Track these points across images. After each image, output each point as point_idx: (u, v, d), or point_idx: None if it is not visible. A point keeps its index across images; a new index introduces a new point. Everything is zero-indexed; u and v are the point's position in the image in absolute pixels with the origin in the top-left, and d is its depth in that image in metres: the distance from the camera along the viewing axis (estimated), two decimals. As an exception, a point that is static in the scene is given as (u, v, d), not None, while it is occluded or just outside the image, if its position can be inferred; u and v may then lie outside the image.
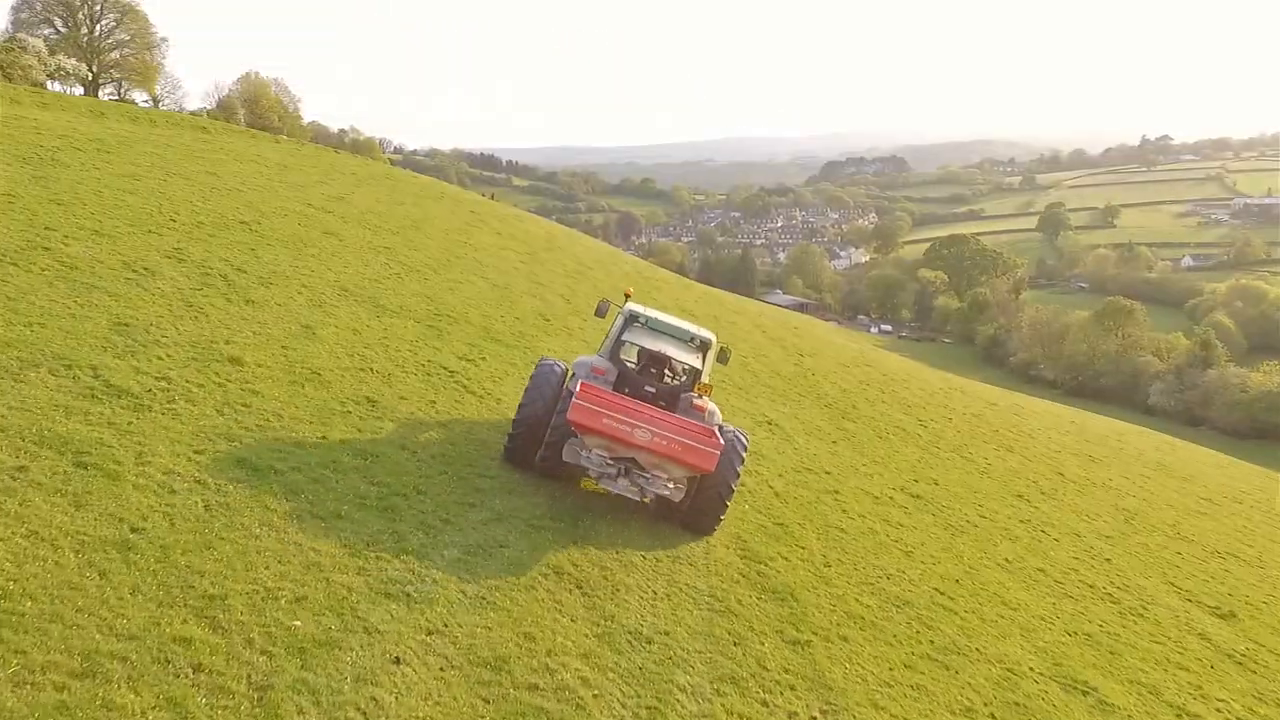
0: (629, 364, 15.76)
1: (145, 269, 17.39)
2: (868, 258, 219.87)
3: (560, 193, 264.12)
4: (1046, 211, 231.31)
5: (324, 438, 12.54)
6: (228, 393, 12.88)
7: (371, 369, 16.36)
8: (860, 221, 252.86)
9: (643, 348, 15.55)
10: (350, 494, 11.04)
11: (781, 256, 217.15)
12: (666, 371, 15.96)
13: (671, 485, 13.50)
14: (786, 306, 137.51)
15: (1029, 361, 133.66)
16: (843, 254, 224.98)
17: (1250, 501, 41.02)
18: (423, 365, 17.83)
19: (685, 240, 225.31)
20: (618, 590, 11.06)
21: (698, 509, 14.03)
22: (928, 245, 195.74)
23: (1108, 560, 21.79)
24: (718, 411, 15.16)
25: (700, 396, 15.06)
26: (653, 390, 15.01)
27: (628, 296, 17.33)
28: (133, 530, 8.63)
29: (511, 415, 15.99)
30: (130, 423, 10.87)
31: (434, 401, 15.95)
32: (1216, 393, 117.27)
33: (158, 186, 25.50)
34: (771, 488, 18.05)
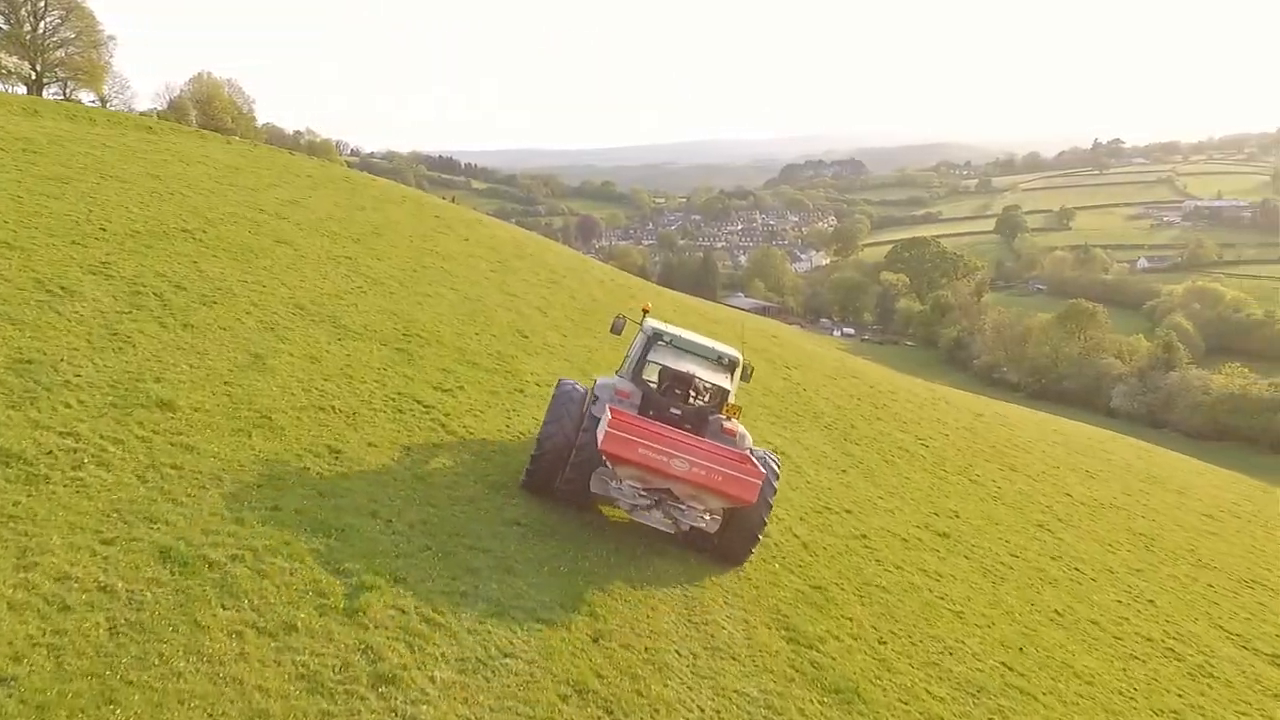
0: (650, 385, 14.83)
1: (62, 288, 14.68)
2: (828, 260, 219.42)
3: (520, 195, 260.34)
4: (1003, 214, 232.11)
5: (275, 508, 9.99)
6: (153, 451, 10.27)
7: (333, 407, 13.79)
8: (820, 224, 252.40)
9: (667, 368, 14.69)
10: (308, 591, 8.52)
11: (743, 259, 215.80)
12: (690, 392, 14.94)
13: (708, 516, 12.60)
14: (749, 310, 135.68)
15: (992, 364, 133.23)
16: (803, 256, 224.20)
17: (1246, 516, 39.78)
18: (393, 399, 15.28)
19: (646, 243, 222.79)
20: (656, 711, 8.64)
21: (730, 539, 13.23)
22: (888, 248, 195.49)
23: (1151, 602, 19.87)
24: (748, 435, 14.08)
25: (729, 419, 14.19)
26: (678, 412, 14.19)
27: (645, 312, 16.59)
28: None
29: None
30: (17, 503, 8.29)
31: (408, 448, 13.42)
32: (1179, 395, 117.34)
33: (89, 191, 22.63)
34: (797, 536, 15.74)
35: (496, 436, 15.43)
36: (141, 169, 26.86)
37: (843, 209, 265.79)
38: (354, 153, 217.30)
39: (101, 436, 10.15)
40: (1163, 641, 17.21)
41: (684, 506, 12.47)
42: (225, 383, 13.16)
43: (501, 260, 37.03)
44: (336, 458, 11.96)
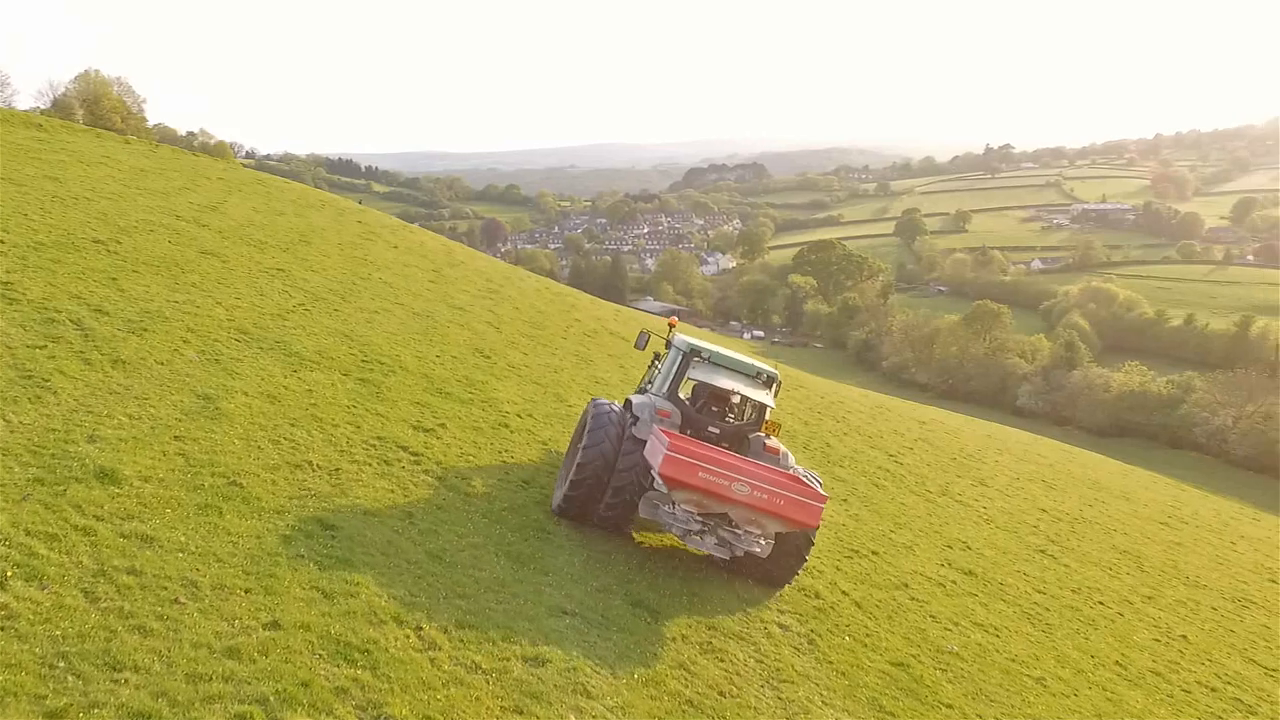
0: (684, 403, 14.14)
1: (-48, 317, 11.69)
2: (735, 263, 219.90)
3: (423, 199, 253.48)
4: (903, 217, 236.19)
5: (275, 624, 7.43)
6: (100, 549, 7.62)
7: (310, 463, 11.17)
8: (725, 227, 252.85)
9: (705, 385, 14.11)
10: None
11: (650, 263, 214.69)
12: (727, 409, 14.44)
13: (763, 541, 12.03)
14: (658, 314, 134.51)
15: (901, 365, 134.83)
16: (710, 260, 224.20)
17: (1193, 521, 39.80)
18: (373, 446, 12.69)
19: (552, 246, 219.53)
20: None
21: (777, 562, 12.80)
22: (793, 250, 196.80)
23: (1184, 638, 18.61)
24: (790, 454, 13.70)
25: (769, 437, 13.87)
26: (716, 431, 13.69)
27: (672, 327, 16.23)
28: None
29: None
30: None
31: (409, 512, 10.88)
32: (1081, 393, 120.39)
33: (-28, 193, 19.26)
34: (846, 594, 13.72)
35: (498, 487, 13.02)
36: (38, 170, 23.35)
37: (747, 212, 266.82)
38: (249, 155, 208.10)
39: (28, 532, 7.44)
40: (1219, 689, 15.82)
41: (740, 531, 11.92)
42: (175, 437, 10.44)
43: (437, 269, 34.24)
44: (333, 538, 9.38)
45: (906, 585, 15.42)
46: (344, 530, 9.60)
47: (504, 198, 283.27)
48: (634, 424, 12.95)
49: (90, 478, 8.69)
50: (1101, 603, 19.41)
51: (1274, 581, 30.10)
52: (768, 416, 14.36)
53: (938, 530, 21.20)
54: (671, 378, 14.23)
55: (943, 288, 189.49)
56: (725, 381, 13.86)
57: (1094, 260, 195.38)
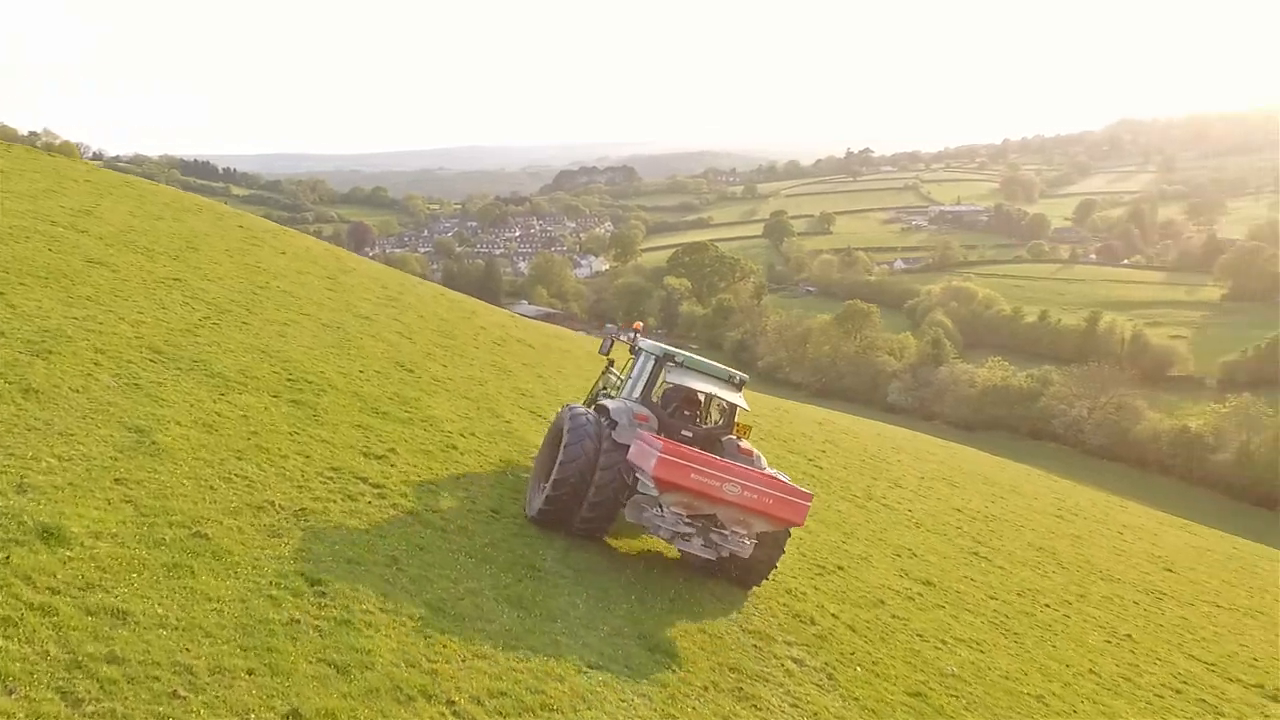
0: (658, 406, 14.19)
1: None
2: (608, 266, 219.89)
3: (285, 202, 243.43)
4: (771, 219, 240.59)
5: (293, 712, 6.20)
6: (64, 634, 6.21)
7: (272, 503, 9.81)
8: (597, 230, 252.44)
9: (677, 388, 14.17)
10: None
11: (523, 266, 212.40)
12: (698, 412, 14.73)
13: (748, 541, 12.13)
14: (534, 317, 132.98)
15: (776, 365, 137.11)
16: (583, 262, 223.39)
17: (1082, 513, 40.99)
18: (329, 478, 11.35)
19: (423, 250, 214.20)
20: None
21: (755, 562, 12.89)
22: (666, 252, 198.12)
23: (1129, 637, 18.89)
24: (762, 455, 13.92)
25: (742, 439, 14.05)
26: (689, 434, 13.72)
27: (637, 332, 16.22)
28: None
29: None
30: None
31: (394, 556, 9.63)
32: (948, 388, 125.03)
33: None
34: (835, 616, 13.12)
35: (471, 519, 11.90)
36: (-118, 169, 20.67)
37: (618, 214, 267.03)
38: (96, 156, 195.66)
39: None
40: (1182, 690, 15.94)
41: (726, 532, 12.01)
42: (117, 479, 8.95)
43: (332, 277, 32.30)
44: (323, 595, 8.11)
45: (882, 602, 14.95)
46: (332, 585, 8.33)
47: (370, 200, 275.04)
48: (612, 429, 12.81)
49: (33, 539, 7.21)
50: (1047, 605, 19.46)
51: (1170, 570, 31.27)
52: (738, 418, 14.54)
53: (881, 538, 20.94)
54: (644, 381, 14.17)
55: (811, 288, 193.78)
56: (702, 385, 13.93)
57: (952, 260, 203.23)
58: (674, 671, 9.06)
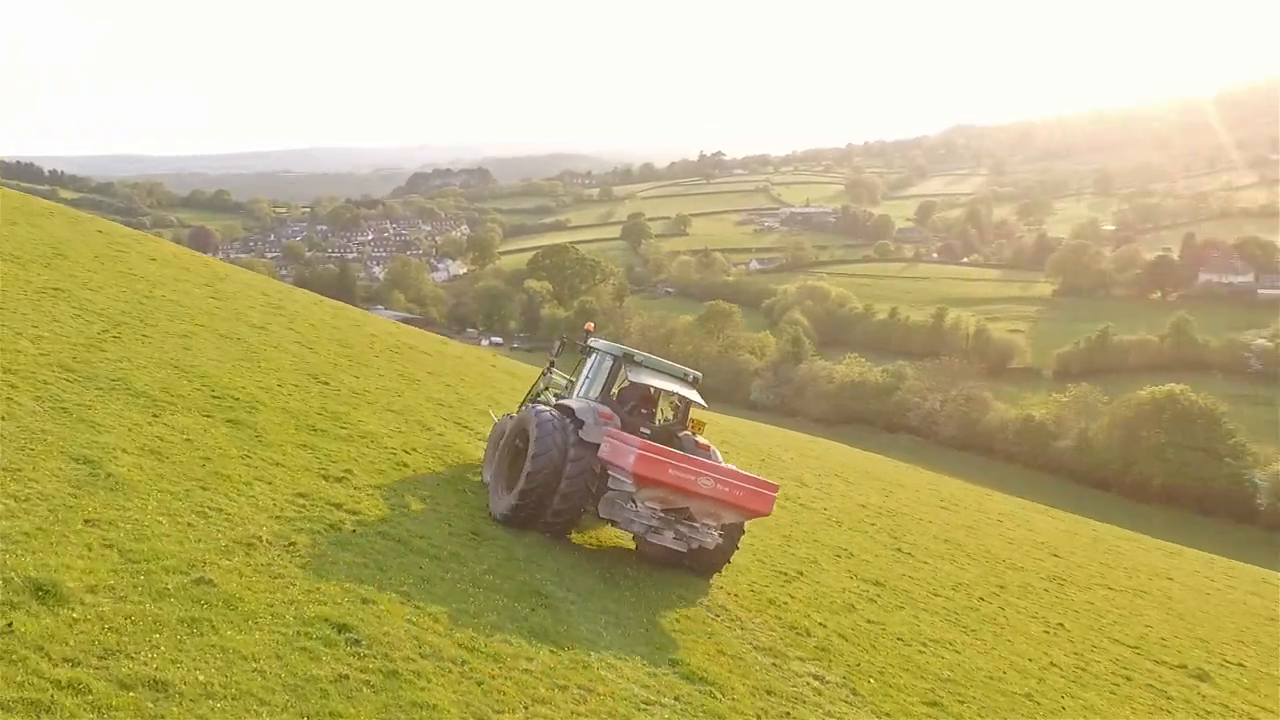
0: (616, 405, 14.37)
1: None
2: (466, 269, 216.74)
3: (119, 206, 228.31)
4: (628, 221, 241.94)
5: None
6: (106, 711, 5.18)
7: (258, 538, 8.75)
8: (453, 233, 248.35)
9: (635, 386, 14.31)
10: None
11: (378, 270, 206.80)
12: (654, 410, 14.86)
13: (716, 532, 12.77)
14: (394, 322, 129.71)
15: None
16: (440, 266, 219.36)
17: (958, 502, 42.29)
18: (302, 506, 10.30)
19: (270, 256, 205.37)
20: None
21: (716, 552, 13.29)
22: (524, 255, 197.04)
23: (1061, 626, 19.32)
24: (717, 449, 14.26)
25: (698, 435, 14.43)
26: (648, 431, 13.83)
27: (589, 333, 16.53)
28: None
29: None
30: None
31: (408, 594, 8.72)
32: (808, 385, 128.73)
33: None
34: (822, 624, 12.83)
35: (456, 543, 11.09)
36: None
37: (474, 217, 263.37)
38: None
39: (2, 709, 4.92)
40: (1136, 679, 16.37)
41: (697, 524, 12.43)
42: (87, 521, 7.77)
43: (209, 284, 30.23)
44: (357, 643, 7.14)
45: (853, 607, 14.83)
46: (360, 630, 7.41)
47: (213, 204, 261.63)
48: (579, 428, 12.91)
49: (28, 599, 6.07)
50: (981, 599, 19.78)
51: (1057, 556, 32.65)
52: (692, 414, 14.90)
53: (817, 539, 20.93)
54: (604, 380, 14.34)
55: (670, 289, 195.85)
56: (662, 383, 14.34)
57: (805, 260, 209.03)
58: (721, 701, 8.53)
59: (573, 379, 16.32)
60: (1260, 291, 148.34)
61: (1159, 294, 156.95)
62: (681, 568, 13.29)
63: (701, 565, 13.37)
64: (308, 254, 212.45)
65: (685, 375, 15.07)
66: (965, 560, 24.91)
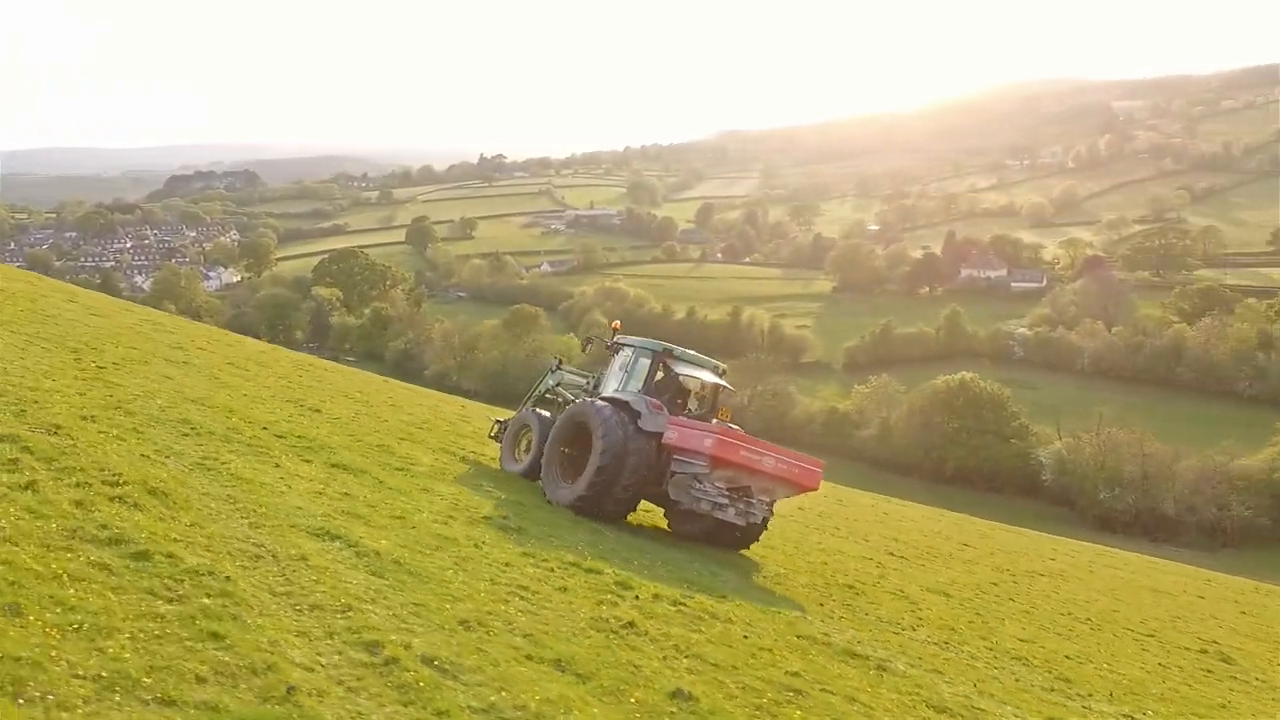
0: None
1: None
2: (240, 277, 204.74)
3: None
4: (413, 225, 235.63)
5: None
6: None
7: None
8: (223, 239, 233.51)
9: (672, 377, 15.54)
10: None
11: (141, 280, 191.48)
12: (687, 400, 16.18)
13: (768, 508, 14.41)
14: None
15: (444, 372, 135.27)
16: (211, 274, 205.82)
17: (848, 501, 43.33)
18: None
19: (14, 265, 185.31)
20: None
21: (757, 526, 15.02)
22: (302, 261, 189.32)
23: (1028, 613, 20.19)
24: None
25: (728, 422, 15.33)
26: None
27: (616, 330, 17.39)
28: None
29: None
30: None
31: (489, 613, 7.99)
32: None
33: None
34: (934, 614, 12.89)
35: (545, 580, 10.25)
36: None
37: (245, 222, 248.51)
38: None
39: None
40: (1148, 657, 17.28)
41: (755, 500, 13.86)
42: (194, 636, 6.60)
43: (96, 311, 26.99)
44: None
45: (852, 587, 15.48)
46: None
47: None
48: (635, 419, 14.07)
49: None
50: (946, 593, 20.43)
51: (966, 545, 34.28)
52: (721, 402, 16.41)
53: (789, 541, 21.01)
54: (646, 374, 15.32)
55: (463, 293, 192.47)
56: (702, 374, 15.69)
57: (596, 262, 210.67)
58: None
59: (590, 375, 17.66)
60: (1013, 285, 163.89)
61: (927, 289, 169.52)
62: (715, 543, 14.67)
63: (742, 539, 14.95)
64: (57, 263, 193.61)
65: (715, 367, 16.34)
66: (904, 556, 25.47)
